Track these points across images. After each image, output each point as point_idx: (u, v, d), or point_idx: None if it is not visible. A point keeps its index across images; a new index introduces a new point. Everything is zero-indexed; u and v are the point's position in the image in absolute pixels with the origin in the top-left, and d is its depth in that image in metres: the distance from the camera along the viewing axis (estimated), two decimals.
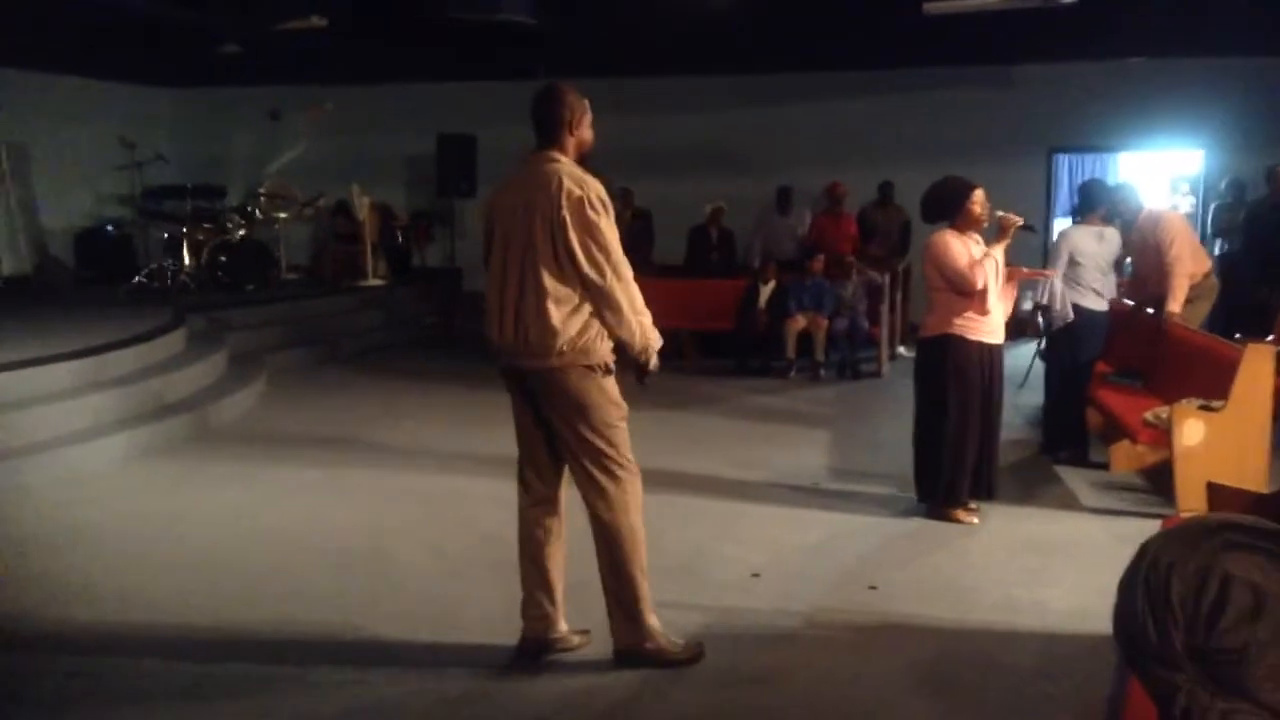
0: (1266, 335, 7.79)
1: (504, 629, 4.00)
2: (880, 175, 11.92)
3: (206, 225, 12.03)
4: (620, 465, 3.77)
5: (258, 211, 12.54)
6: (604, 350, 3.71)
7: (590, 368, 3.69)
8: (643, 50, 11.95)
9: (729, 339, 10.60)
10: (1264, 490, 4.60)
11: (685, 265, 12.18)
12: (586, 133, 3.85)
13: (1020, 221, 5.57)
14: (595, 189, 3.67)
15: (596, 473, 3.75)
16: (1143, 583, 1.44)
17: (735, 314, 10.51)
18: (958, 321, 5.46)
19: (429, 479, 6.37)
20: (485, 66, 12.71)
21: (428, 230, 14.24)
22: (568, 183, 3.64)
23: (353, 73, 13.47)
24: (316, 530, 5.50)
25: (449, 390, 9.21)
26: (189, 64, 13.18)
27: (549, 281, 3.63)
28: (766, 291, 10.49)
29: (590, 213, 3.62)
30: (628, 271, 3.69)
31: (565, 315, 3.64)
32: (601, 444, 3.73)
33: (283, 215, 13.04)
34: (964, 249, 5.45)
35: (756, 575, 4.82)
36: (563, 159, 3.74)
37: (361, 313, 12.14)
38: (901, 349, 10.95)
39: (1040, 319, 6.67)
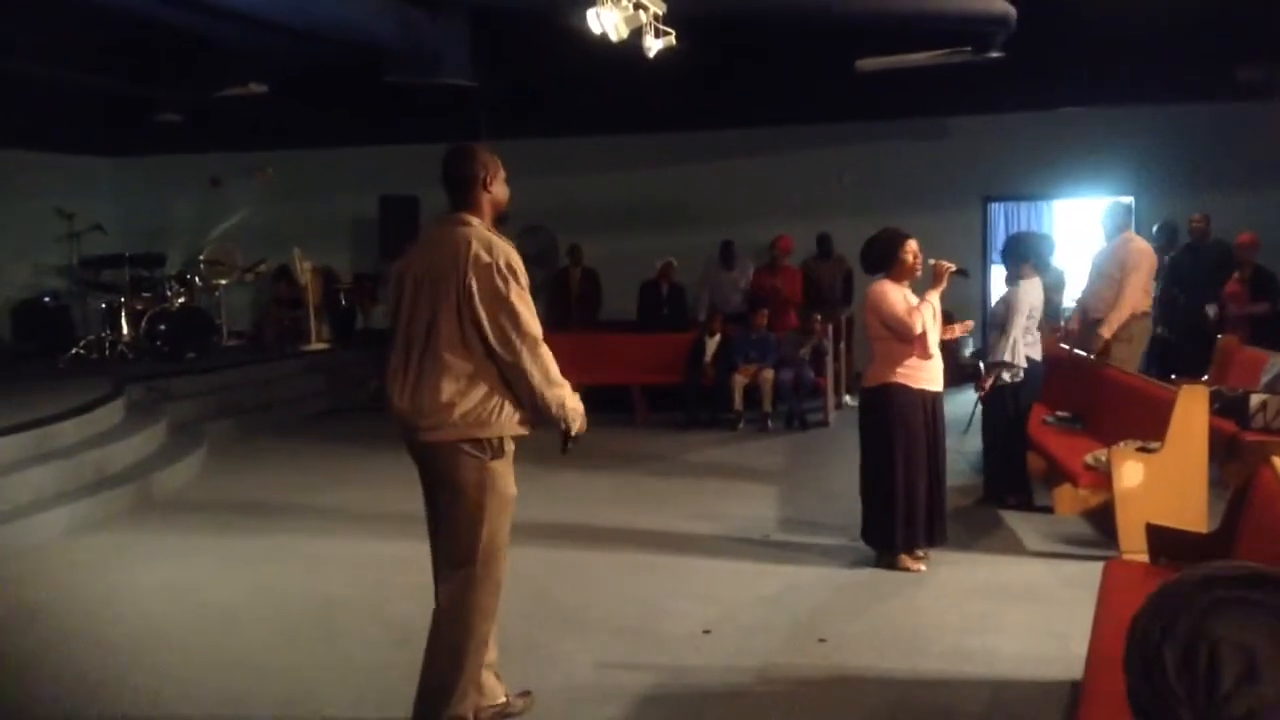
0: (1201, 376, 7.97)
1: None
2: (821, 227, 12.07)
3: (145, 294, 11.90)
4: (476, 559, 3.53)
5: (197, 279, 12.42)
6: (501, 425, 3.51)
7: (479, 444, 3.49)
8: (585, 110, 12.07)
9: (678, 392, 10.63)
10: (1203, 529, 4.67)
11: (638, 320, 12.24)
12: (501, 191, 3.65)
13: (954, 267, 5.71)
14: (505, 254, 3.47)
15: (452, 556, 3.58)
16: (1139, 662, 1.43)
17: (683, 367, 10.55)
18: (900, 370, 5.54)
19: (374, 546, 6.28)
20: (427, 129, 12.76)
21: (372, 292, 14.18)
22: (476, 247, 3.44)
23: (294, 138, 13.48)
24: (262, 602, 5.40)
25: (394, 454, 9.05)
26: (128, 133, 13.11)
27: (446, 352, 3.45)
28: (713, 344, 10.55)
29: (498, 281, 3.43)
30: (539, 342, 3.49)
31: (460, 388, 3.45)
32: (464, 529, 3.53)
33: (223, 281, 12.93)
34: (901, 296, 5.55)
35: (708, 631, 4.79)
36: (474, 221, 3.54)
37: (304, 377, 12.00)
38: (847, 398, 11.05)
39: (1004, 375, 6.66)
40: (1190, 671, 1.34)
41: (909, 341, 5.49)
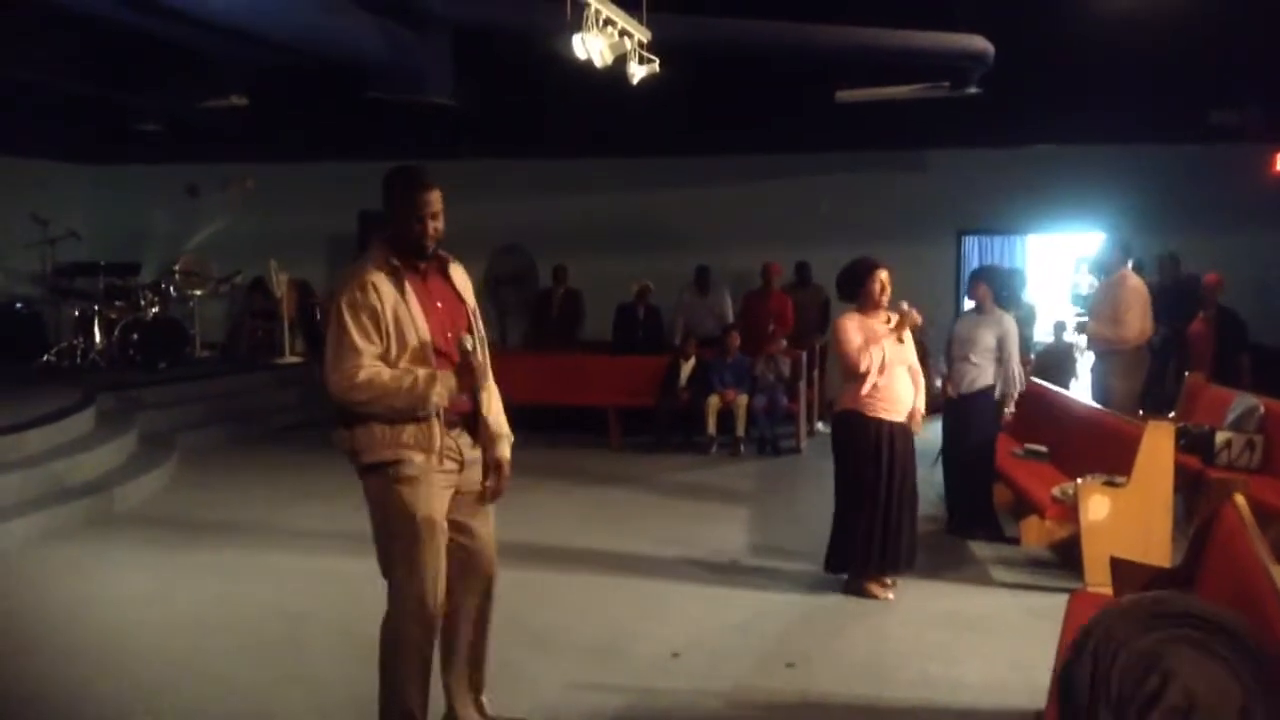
0: (1169, 412, 8.08)
1: None
2: (798, 255, 12.17)
3: (119, 303, 11.81)
4: (389, 577, 3.50)
5: (172, 289, 12.36)
6: (376, 451, 3.40)
7: (372, 467, 3.43)
8: (566, 132, 12.13)
9: (652, 415, 10.64)
10: (1167, 564, 4.74)
11: (613, 342, 12.23)
12: (401, 223, 3.45)
13: (919, 321, 5.74)
14: (349, 284, 3.37)
15: (380, 571, 3.55)
16: (1090, 654, 1.46)
17: (657, 391, 10.58)
18: (861, 397, 5.60)
19: (342, 561, 6.22)
20: (408, 145, 12.77)
21: None
22: (338, 282, 3.47)
23: (273, 150, 13.45)
24: (229, 615, 5.37)
25: None
26: (107, 141, 13.05)
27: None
28: (687, 368, 10.59)
29: (334, 312, 3.38)
30: (345, 372, 3.34)
31: (343, 419, 3.46)
32: (379, 547, 3.52)
33: (198, 292, 12.87)
34: (857, 333, 5.60)
35: (677, 655, 4.81)
36: (371, 250, 3.48)
37: (277, 390, 11.94)
38: (820, 425, 11.10)
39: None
40: (1135, 686, 1.38)
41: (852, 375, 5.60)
